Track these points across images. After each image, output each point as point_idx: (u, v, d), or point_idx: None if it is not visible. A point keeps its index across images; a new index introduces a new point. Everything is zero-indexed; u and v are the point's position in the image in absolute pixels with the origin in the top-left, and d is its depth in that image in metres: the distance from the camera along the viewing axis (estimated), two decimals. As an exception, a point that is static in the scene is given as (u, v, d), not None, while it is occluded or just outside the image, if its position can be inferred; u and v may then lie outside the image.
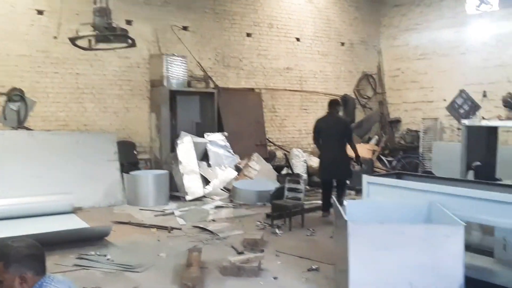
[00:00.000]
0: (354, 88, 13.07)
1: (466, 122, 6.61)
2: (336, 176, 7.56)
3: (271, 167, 10.01)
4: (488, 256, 4.81)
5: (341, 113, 9.01)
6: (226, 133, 9.87)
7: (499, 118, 7.09)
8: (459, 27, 11.63)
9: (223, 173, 9.30)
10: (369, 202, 5.06)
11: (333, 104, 7.72)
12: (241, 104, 10.63)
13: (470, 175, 6.45)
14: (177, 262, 5.23)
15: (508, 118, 7.21)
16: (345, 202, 4.63)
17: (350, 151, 7.54)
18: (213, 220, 7.27)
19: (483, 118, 7.35)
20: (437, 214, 4.33)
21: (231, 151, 9.74)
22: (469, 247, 5.27)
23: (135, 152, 9.43)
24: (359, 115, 12.88)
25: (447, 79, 11.80)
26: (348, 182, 7.91)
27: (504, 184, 4.93)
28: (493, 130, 7.02)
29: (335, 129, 7.46)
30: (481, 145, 6.78)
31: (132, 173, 8.61)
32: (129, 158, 9.18)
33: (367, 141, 12.43)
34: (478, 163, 6.47)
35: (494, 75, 10.90)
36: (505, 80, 10.68)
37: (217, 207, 8.19)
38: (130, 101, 9.57)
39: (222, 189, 9.08)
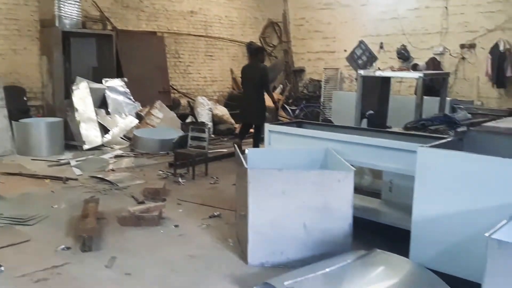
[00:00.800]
0: (260, 35, 13.03)
1: (361, 72, 6.89)
2: (249, 120, 7.96)
3: (175, 115, 9.79)
4: (376, 198, 5.19)
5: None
6: (126, 79, 9.41)
7: (392, 69, 7.48)
8: (361, -22, 11.93)
9: (123, 121, 8.95)
10: (269, 149, 5.17)
11: (254, 51, 8.31)
12: (142, 49, 10.13)
13: (364, 123, 6.84)
14: (73, 213, 5.00)
15: (401, 69, 7.64)
16: (246, 150, 4.67)
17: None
18: (112, 170, 7.02)
19: (379, 69, 7.73)
20: (332, 159, 4.54)
21: (132, 98, 9.35)
22: (361, 190, 5.66)
23: (25, 98, 8.69)
24: (265, 63, 12.93)
25: (348, 30, 12.17)
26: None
27: (392, 131, 5.26)
28: (386, 81, 7.43)
29: (252, 76, 7.74)
30: (375, 95, 7.16)
31: (22, 120, 7.97)
32: (18, 105, 8.45)
33: (272, 90, 12.58)
34: (372, 112, 6.85)
35: (390, 27, 11.44)
36: (399, 32, 11.26)
37: (117, 156, 7.90)
38: (17, 42, 8.70)
39: (122, 138, 8.76)
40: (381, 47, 11.55)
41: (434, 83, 8.92)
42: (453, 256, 3.24)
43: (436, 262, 3.33)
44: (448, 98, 8.51)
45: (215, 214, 5.12)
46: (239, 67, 12.43)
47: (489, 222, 2.58)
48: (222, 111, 10.35)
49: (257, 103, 7.73)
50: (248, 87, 7.90)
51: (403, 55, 11.17)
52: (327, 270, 3.29)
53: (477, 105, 9.60)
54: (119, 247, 4.26)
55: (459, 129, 4.16)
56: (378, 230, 4.42)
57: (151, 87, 10.03)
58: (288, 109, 11.90)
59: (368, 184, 5.77)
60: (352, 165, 4.01)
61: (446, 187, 3.26)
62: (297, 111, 11.81)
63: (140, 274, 3.77)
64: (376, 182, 5.51)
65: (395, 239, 3.98)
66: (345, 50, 11.77)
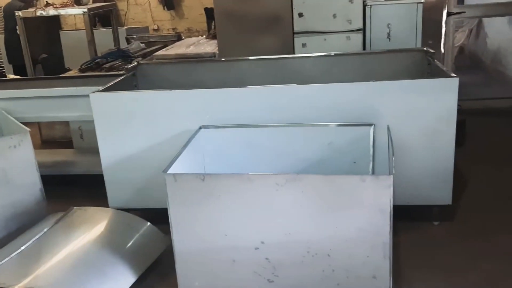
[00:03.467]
0: None
1: (20, 14, 6.14)
2: None
3: None
4: (70, 148, 4.94)
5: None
6: None
7: (54, 6, 6.87)
8: None
9: None
10: None
11: None
12: None
13: (40, 69, 6.28)
14: None
15: (64, 5, 7.05)
16: None
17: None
18: None
19: (47, 3, 6.94)
20: (5, 123, 4.02)
21: None
22: (55, 142, 5.31)
23: None
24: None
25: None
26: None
27: (67, 76, 4.99)
28: (55, 18, 6.87)
29: None
30: (44, 35, 6.58)
31: None
32: None
33: None
34: (45, 55, 6.32)
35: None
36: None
37: None
38: None
39: None
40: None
41: (109, 13, 8.73)
42: (145, 192, 3.38)
43: (132, 202, 3.43)
44: (125, 27, 8.55)
45: None
46: None
47: (169, 153, 2.74)
48: None
49: None
50: None
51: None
52: (23, 248, 3.00)
53: (153, 30, 9.95)
54: None
55: (130, 65, 4.20)
56: (80, 182, 4.24)
57: None
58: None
59: (62, 134, 5.46)
60: (28, 123, 3.63)
61: (124, 127, 3.28)
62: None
63: None
64: (69, 130, 5.23)
65: (98, 186, 3.86)
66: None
